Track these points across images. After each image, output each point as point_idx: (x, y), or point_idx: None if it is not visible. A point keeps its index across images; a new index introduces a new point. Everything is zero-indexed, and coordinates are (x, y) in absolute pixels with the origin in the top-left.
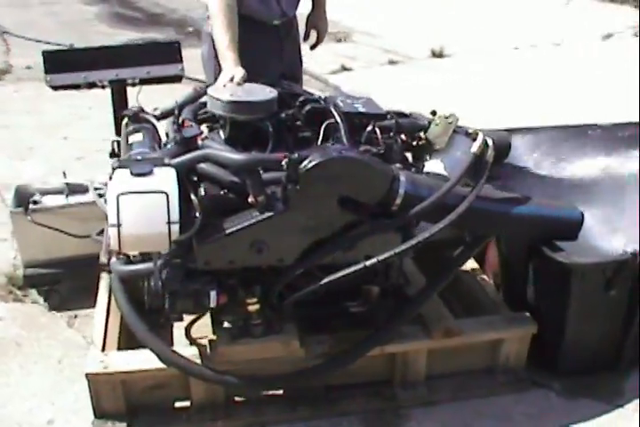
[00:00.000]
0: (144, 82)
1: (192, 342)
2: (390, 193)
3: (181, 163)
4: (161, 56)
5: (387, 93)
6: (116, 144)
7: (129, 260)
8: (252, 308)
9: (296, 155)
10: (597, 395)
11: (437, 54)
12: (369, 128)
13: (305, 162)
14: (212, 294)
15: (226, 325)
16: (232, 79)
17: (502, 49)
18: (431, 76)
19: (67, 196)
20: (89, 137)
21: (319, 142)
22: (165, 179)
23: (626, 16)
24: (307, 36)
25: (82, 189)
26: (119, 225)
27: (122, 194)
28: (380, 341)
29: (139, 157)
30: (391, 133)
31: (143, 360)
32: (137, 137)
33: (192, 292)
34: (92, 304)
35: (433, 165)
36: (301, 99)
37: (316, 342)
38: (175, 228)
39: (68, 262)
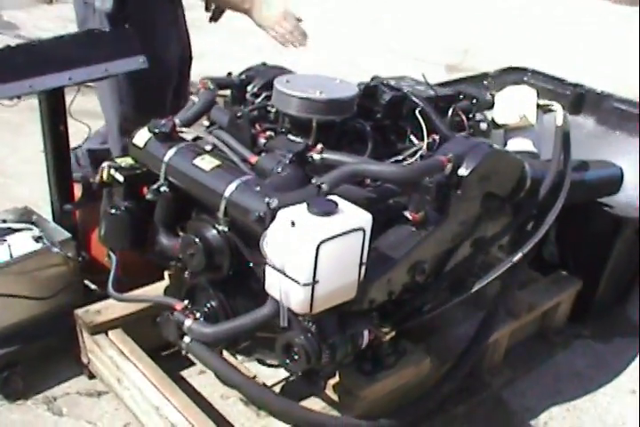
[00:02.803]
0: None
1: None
2: (521, 180)
3: (331, 186)
4: (115, 48)
5: None
6: (107, 170)
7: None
8: (387, 337)
9: (450, 155)
10: (624, 330)
11: None
12: (450, 112)
13: (465, 162)
14: (365, 333)
15: None
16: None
17: None
18: None
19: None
20: None
21: (425, 135)
22: (355, 211)
23: None
24: (209, 6)
25: None
26: (315, 282)
27: (324, 241)
28: (490, 334)
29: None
30: (471, 115)
31: None
32: (211, 162)
33: (350, 337)
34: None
35: (521, 143)
36: (362, 87)
37: (426, 352)
38: (363, 269)
39: (17, 333)
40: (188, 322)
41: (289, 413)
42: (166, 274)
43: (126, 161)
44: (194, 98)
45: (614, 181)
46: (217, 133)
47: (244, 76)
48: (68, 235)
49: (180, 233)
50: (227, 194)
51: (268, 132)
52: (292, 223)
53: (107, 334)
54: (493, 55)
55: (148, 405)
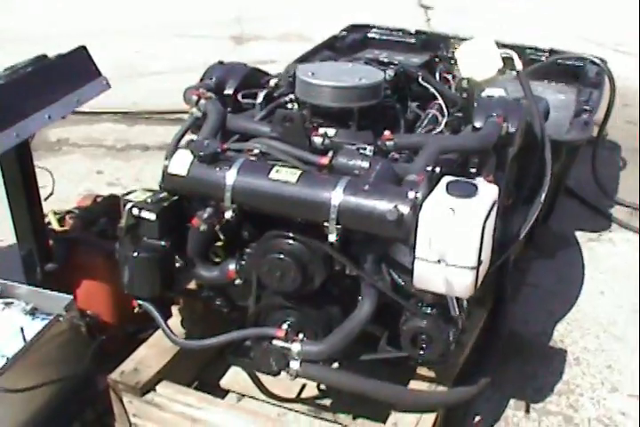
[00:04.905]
0: None
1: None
2: (526, 125)
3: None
4: (75, 73)
5: None
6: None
7: None
8: None
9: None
10: (557, 243)
11: None
12: (438, 75)
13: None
14: (464, 302)
15: None
16: None
17: None
18: None
19: None
20: None
21: (442, 103)
22: (485, 186)
23: None
24: None
25: None
26: (480, 264)
27: (485, 221)
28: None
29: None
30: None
31: None
32: (291, 172)
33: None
34: None
35: (495, 92)
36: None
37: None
38: None
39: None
40: (296, 346)
41: (424, 401)
42: (175, 309)
43: (140, 196)
44: (194, 111)
45: (546, 111)
46: (262, 141)
47: (214, 79)
48: (67, 297)
49: (216, 259)
50: (336, 201)
51: (321, 130)
52: (452, 210)
53: (155, 391)
54: (267, 20)
55: None
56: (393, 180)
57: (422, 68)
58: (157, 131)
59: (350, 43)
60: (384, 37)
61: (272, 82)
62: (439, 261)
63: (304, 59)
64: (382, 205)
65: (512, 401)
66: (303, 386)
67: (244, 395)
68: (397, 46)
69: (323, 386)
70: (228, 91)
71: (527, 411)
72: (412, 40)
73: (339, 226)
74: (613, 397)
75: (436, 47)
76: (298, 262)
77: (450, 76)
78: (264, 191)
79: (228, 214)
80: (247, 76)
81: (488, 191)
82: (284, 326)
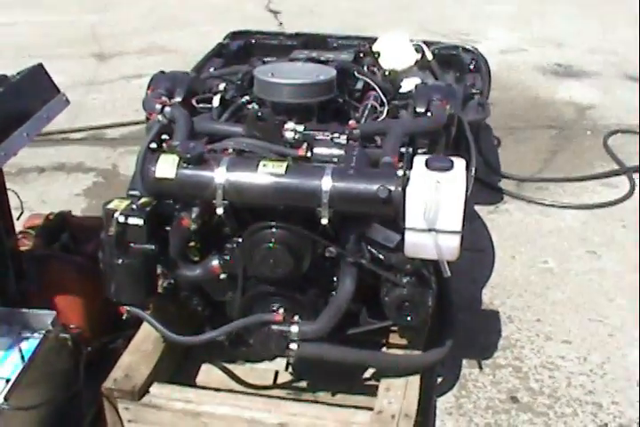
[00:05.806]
0: None
1: None
2: None
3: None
4: (37, 91)
5: None
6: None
7: None
8: None
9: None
10: None
11: None
12: (366, 68)
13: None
14: None
15: None
16: None
17: None
18: None
19: None
20: None
21: (380, 94)
22: (457, 160)
23: None
24: None
25: None
26: (463, 227)
27: (466, 188)
28: None
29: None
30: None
31: None
32: (278, 164)
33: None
34: None
35: (414, 80)
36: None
37: None
38: None
39: None
40: (294, 328)
41: (412, 363)
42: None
43: (120, 205)
44: (159, 118)
45: None
46: (238, 140)
47: (163, 88)
48: (50, 313)
49: (195, 258)
50: (326, 187)
51: (289, 125)
52: (438, 182)
53: (149, 393)
54: (124, 35)
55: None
56: (370, 163)
57: (353, 63)
58: (48, 152)
59: (236, 49)
60: (267, 41)
61: (221, 86)
62: (429, 230)
63: (199, 67)
64: (371, 186)
65: (465, 361)
66: (276, 373)
67: (220, 389)
68: (280, 48)
69: (291, 370)
70: (178, 98)
71: (480, 367)
72: (294, 42)
73: (331, 209)
74: (549, 345)
75: (316, 44)
76: (288, 249)
77: (376, 69)
78: (256, 185)
79: (220, 211)
80: (192, 83)
81: (460, 164)
82: (281, 311)
